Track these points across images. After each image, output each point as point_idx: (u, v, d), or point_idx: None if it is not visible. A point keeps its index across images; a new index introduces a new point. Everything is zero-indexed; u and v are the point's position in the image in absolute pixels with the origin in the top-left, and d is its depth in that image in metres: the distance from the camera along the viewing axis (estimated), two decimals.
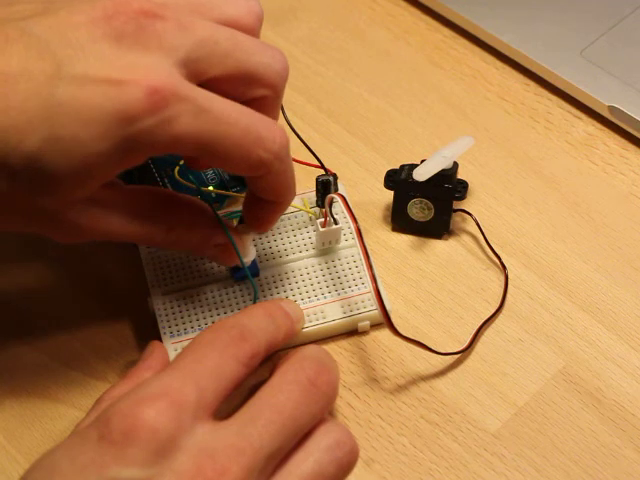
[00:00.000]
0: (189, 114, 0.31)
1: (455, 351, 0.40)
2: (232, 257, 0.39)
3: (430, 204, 0.44)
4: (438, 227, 0.45)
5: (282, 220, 0.44)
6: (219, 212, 0.39)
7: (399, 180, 0.44)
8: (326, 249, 0.43)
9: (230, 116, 0.33)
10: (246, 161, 0.34)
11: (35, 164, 0.30)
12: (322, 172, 0.43)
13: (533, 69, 0.51)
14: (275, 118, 0.36)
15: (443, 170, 0.42)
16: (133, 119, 0.31)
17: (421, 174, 0.42)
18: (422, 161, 0.43)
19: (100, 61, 0.31)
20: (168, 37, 0.32)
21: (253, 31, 0.35)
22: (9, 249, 0.44)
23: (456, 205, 0.44)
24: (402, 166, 0.44)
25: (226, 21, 0.34)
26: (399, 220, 0.45)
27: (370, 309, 0.41)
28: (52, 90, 0.30)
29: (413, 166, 0.43)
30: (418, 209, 0.44)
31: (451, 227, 0.45)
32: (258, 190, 0.37)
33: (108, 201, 0.35)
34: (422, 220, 0.44)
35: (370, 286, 0.38)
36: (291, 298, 0.41)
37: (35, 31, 0.31)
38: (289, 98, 0.48)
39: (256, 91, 0.34)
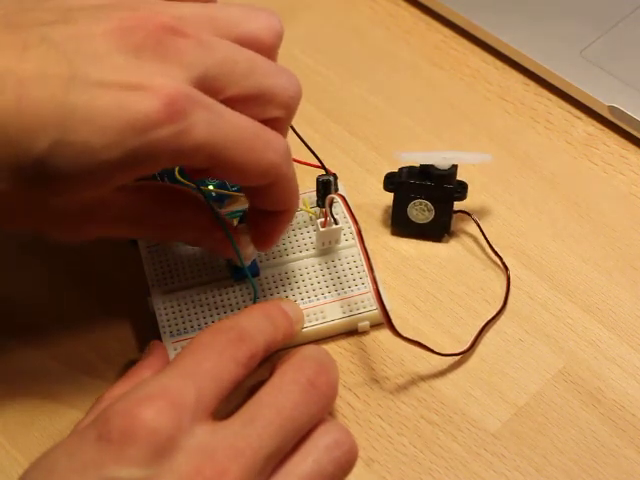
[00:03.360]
0: (204, 123, 0.31)
1: (457, 352, 0.40)
2: (230, 249, 0.39)
3: (430, 205, 0.43)
4: (438, 229, 0.44)
5: None
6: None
7: (398, 182, 0.44)
8: (326, 249, 0.43)
9: (240, 123, 0.33)
10: (258, 166, 0.34)
11: (43, 166, 0.30)
12: (322, 172, 0.43)
13: (533, 69, 0.51)
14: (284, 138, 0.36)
15: (443, 170, 0.42)
16: (148, 128, 0.30)
17: (405, 157, 0.42)
18: (421, 164, 0.43)
19: (116, 70, 0.31)
20: (188, 54, 0.32)
21: (272, 48, 0.35)
22: (9, 250, 0.44)
23: (456, 206, 0.44)
24: (401, 169, 0.44)
25: (246, 38, 0.34)
26: (399, 223, 0.45)
27: (370, 309, 0.41)
28: (67, 95, 0.30)
29: (412, 168, 0.43)
30: (418, 211, 0.44)
31: (451, 228, 0.45)
32: (264, 202, 0.37)
33: (113, 202, 0.35)
34: (423, 222, 0.44)
35: (370, 286, 0.38)
36: (291, 298, 0.41)
37: (53, 38, 0.31)
38: None
39: (269, 112, 0.34)
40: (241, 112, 0.33)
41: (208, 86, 0.32)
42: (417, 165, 0.43)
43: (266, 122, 0.34)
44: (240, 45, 0.34)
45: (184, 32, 0.32)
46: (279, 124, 0.35)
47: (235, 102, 0.33)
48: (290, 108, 0.35)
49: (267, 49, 0.35)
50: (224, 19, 0.34)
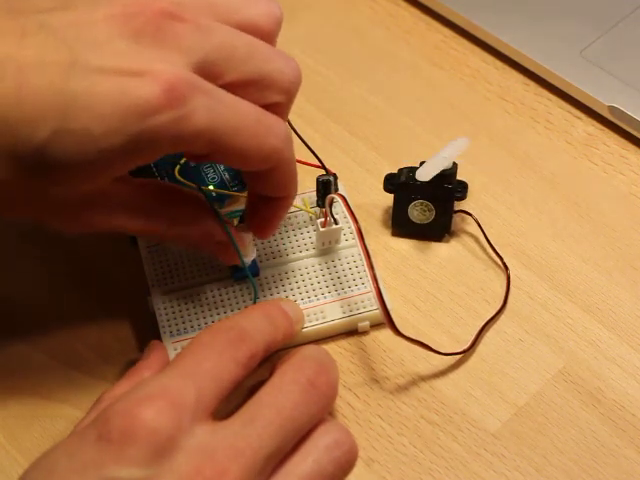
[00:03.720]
0: (204, 109, 0.31)
1: (458, 351, 0.40)
2: (232, 255, 0.39)
3: (431, 205, 0.43)
4: (439, 229, 0.44)
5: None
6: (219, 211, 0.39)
7: (398, 183, 0.44)
8: (326, 249, 0.43)
9: (241, 108, 0.33)
10: (260, 151, 0.34)
11: (43, 156, 0.30)
12: (322, 172, 0.43)
13: (533, 69, 0.51)
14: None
15: (443, 170, 0.42)
16: (148, 114, 0.30)
17: (424, 174, 0.42)
18: (421, 163, 0.43)
19: (116, 56, 0.31)
20: (186, 39, 0.32)
21: (271, 34, 0.35)
22: (8, 249, 0.44)
23: (456, 206, 0.44)
24: (400, 169, 0.44)
25: (245, 24, 0.34)
26: (400, 224, 0.45)
27: (370, 309, 0.41)
28: (66, 82, 0.30)
29: (412, 169, 0.43)
30: (419, 211, 0.44)
31: (452, 228, 0.45)
32: (265, 188, 0.37)
33: (114, 193, 0.35)
34: (423, 222, 0.44)
35: (370, 286, 0.38)
36: (291, 298, 0.41)
37: (52, 25, 0.31)
38: None
39: (270, 97, 0.34)
40: (242, 97, 0.33)
41: (208, 71, 0.32)
42: (417, 165, 0.43)
43: (266, 107, 0.34)
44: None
45: (182, 17, 0.32)
46: (279, 109, 0.35)
47: (235, 87, 0.33)
48: (290, 93, 0.35)
49: (266, 35, 0.35)
50: (223, 5, 0.34)
